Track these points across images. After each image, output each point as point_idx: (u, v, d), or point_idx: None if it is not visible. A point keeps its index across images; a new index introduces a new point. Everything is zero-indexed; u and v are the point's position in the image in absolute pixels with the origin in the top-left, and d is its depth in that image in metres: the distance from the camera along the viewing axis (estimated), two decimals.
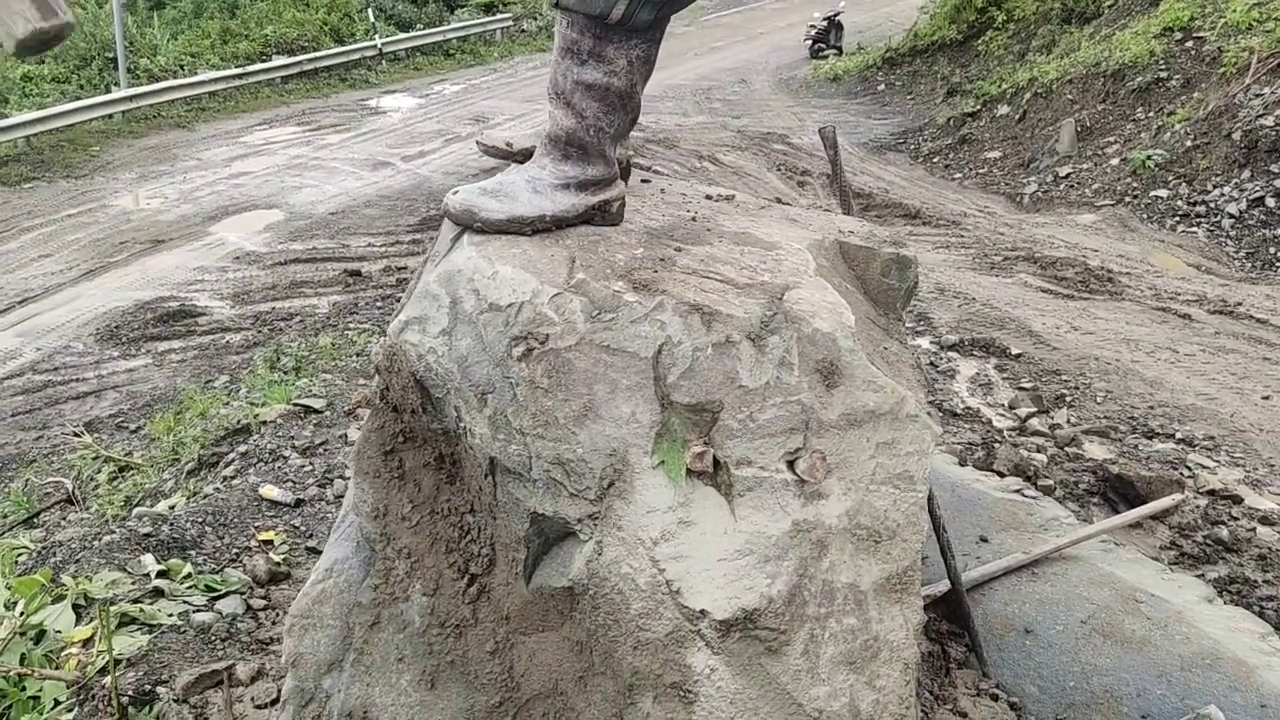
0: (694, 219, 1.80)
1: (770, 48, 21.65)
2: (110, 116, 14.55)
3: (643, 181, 2.06)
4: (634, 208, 1.79)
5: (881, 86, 18.42)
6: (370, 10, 19.83)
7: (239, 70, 16.62)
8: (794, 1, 28.14)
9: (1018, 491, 3.79)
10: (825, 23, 20.82)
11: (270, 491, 3.99)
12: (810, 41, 20.90)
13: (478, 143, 2.15)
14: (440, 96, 17.67)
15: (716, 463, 1.44)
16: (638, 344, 1.47)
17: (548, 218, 1.68)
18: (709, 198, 2.03)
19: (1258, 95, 10.44)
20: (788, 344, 1.46)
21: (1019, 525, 3.48)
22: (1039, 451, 4.99)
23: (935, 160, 14.35)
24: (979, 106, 15.03)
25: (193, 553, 3.61)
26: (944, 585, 2.87)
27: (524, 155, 2.07)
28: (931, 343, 6.90)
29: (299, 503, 4.05)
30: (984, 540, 3.40)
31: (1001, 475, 4.03)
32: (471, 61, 20.77)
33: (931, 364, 6.43)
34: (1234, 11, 11.69)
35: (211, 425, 5.43)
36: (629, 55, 1.62)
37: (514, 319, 1.49)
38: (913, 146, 15.12)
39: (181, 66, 16.74)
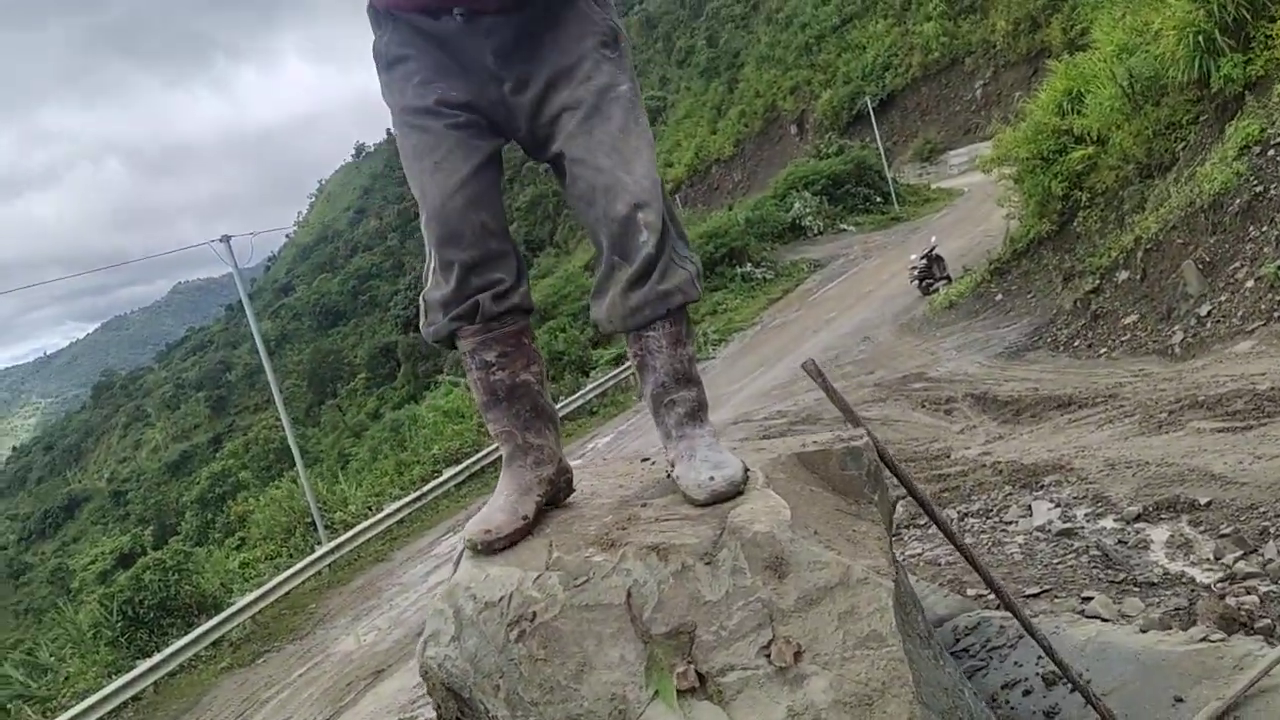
0: (667, 476, 2.03)
1: (882, 300, 22.28)
2: (319, 573, 15.90)
3: (643, 460, 2.31)
4: (616, 484, 2.04)
5: (999, 296, 18.54)
6: None
7: (416, 493, 18.20)
8: (889, 253, 29.23)
9: (1204, 639, 3.49)
10: (925, 261, 21.41)
11: None
12: (916, 281, 21.44)
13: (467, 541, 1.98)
14: None
15: (701, 676, 1.57)
16: (610, 595, 1.67)
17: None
18: None
19: None
20: (735, 553, 1.62)
21: (1212, 673, 3.20)
22: (1248, 594, 4.60)
23: (1076, 344, 14.09)
24: (1099, 281, 14.89)
25: None
26: None
27: (515, 536, 1.94)
28: (1115, 520, 6.55)
29: None
30: (1179, 700, 3.14)
31: (1185, 629, 3.73)
32: None
33: (1120, 542, 6.07)
34: None
35: None
36: None
37: (507, 608, 1.72)
38: (1049, 339, 14.94)
39: (369, 508, 18.45)
